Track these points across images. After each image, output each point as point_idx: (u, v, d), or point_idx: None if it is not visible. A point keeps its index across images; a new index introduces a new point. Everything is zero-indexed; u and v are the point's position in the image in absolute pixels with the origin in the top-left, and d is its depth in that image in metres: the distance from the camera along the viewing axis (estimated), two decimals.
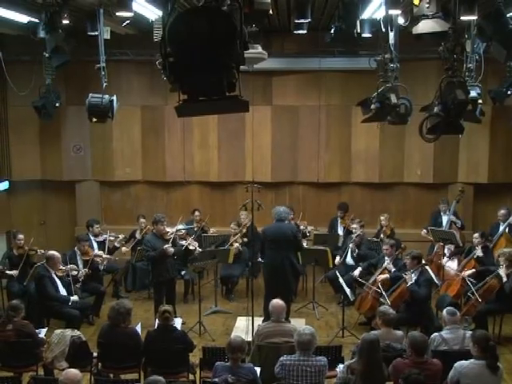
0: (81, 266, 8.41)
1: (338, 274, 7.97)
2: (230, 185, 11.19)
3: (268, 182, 10.73)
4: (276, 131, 10.98)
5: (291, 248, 7.68)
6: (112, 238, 9.42)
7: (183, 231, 9.04)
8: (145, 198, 11.43)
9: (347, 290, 7.62)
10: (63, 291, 7.64)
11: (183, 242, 8.97)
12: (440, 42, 4.97)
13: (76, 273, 8.02)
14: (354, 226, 9.22)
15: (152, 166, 11.22)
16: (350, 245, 8.97)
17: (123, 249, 9.56)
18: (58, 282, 7.65)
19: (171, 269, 8.06)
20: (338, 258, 9.01)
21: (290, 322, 6.67)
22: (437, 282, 7.91)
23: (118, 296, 9.19)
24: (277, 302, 5.89)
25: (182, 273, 9.13)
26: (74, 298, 7.60)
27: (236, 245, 9.33)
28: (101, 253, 8.91)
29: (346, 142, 10.89)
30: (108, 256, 8.96)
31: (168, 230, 8.13)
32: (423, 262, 7.51)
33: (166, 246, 7.89)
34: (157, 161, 11.17)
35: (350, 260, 9.03)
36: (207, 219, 10.16)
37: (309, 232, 9.93)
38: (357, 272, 8.28)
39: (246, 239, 9.52)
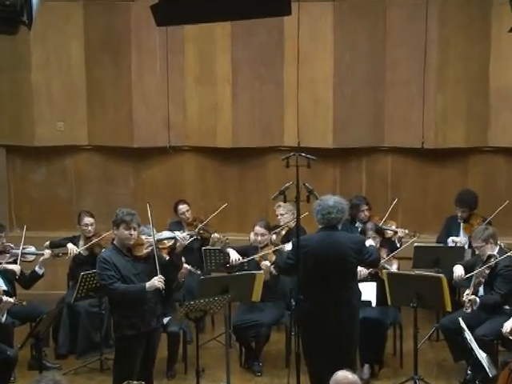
0: None
1: (463, 324, 7.92)
2: (256, 154, 11.34)
3: (327, 148, 10.92)
4: (342, 51, 10.98)
5: (351, 279, 7.84)
6: (30, 258, 9.55)
7: (171, 242, 8.99)
8: (95, 178, 11.64)
9: (482, 357, 7.56)
10: None
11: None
12: None
13: None
14: (479, 243, 8.87)
15: (107, 120, 11.32)
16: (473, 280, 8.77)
17: (46, 252, 9.57)
18: None
19: (150, 313, 7.97)
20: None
21: None
22: None
23: (41, 366, 9.04)
24: (344, 375, 5.83)
25: (165, 320, 9.08)
26: None
27: (265, 263, 9.24)
28: None
29: (480, 71, 10.90)
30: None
31: (144, 238, 8.10)
32: None
33: (150, 284, 7.80)
34: (116, 109, 11.29)
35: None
36: (210, 218, 10.28)
37: (401, 241, 9.97)
38: (509, 325, 8.06)
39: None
